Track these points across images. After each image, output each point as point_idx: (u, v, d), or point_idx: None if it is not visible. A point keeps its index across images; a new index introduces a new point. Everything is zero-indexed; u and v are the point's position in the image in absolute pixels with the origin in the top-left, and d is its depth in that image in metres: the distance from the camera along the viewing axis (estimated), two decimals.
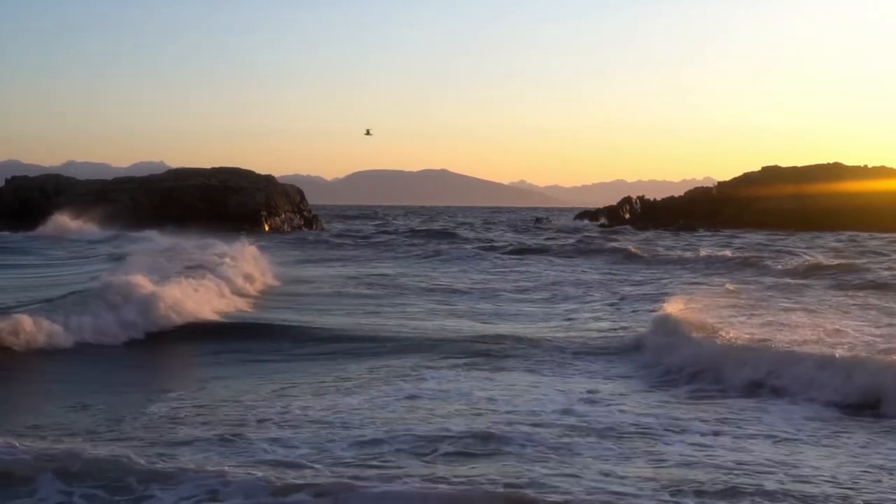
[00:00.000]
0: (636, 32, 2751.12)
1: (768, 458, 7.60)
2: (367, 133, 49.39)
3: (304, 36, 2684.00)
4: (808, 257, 28.41)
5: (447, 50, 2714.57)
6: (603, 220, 76.12)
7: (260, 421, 8.99)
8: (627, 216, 75.33)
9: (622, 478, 7.08)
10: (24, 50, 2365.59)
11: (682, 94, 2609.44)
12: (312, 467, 7.28)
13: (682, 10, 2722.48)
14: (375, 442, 8.19)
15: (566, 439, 8.28)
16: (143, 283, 15.60)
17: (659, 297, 18.53)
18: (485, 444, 8.08)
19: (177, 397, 10.13)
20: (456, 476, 7.12)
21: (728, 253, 32.18)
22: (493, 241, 47.66)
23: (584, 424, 8.84)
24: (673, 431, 8.59)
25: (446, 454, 7.81)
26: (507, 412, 9.42)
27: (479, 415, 9.29)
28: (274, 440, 8.20)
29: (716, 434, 8.49)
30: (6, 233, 50.14)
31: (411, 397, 10.20)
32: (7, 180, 65.81)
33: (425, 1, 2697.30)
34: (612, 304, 18.97)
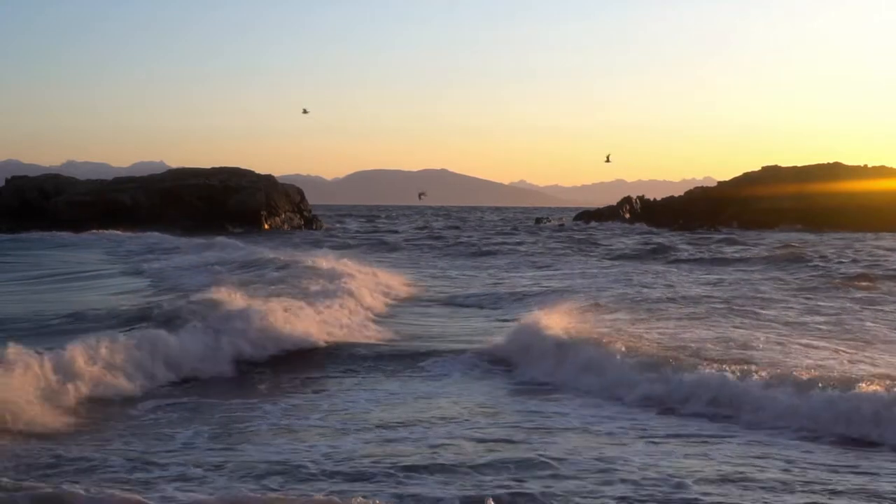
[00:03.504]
0: (637, 33, 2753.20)
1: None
2: (304, 112, 51.40)
3: (304, 36, 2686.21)
4: None
5: (447, 50, 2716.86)
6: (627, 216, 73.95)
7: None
8: (627, 216, 75.29)
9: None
10: (24, 50, 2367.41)
11: (682, 93, 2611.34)
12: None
13: (683, 10, 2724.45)
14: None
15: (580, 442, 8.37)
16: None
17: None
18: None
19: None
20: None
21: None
22: (526, 241, 46.81)
23: (603, 430, 8.90)
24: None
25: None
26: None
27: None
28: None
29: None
30: (37, 233, 49.61)
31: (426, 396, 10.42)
32: (7, 180, 65.80)
33: (426, 1, 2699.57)
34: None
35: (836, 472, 7.46)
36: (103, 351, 10.62)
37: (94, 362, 10.32)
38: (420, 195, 64.20)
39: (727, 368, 10.23)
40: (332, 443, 8.22)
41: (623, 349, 11.48)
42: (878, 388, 8.99)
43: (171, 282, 22.70)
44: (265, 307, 13.80)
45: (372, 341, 13.96)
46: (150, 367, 11.03)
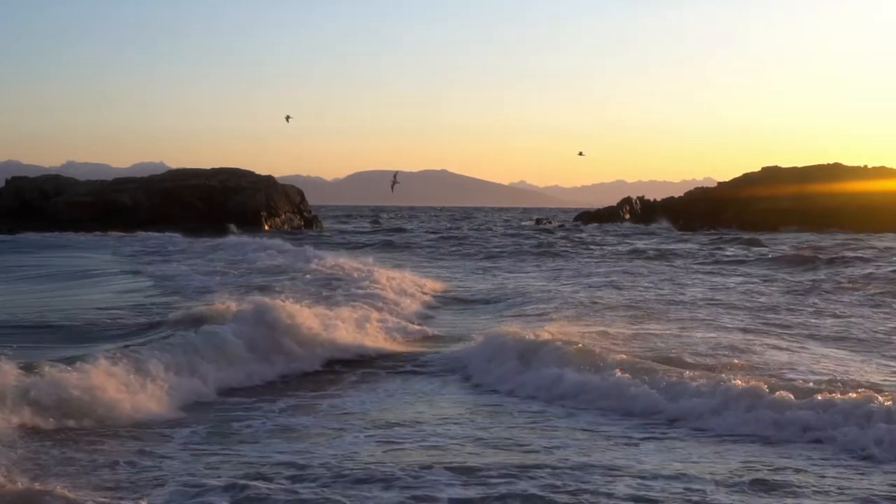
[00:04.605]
0: (637, 33, 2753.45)
1: None
2: (287, 119, 53.42)
3: (304, 36, 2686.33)
4: None
5: (447, 51, 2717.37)
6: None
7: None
8: (627, 217, 75.26)
9: None
10: (24, 50, 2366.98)
11: (682, 94, 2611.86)
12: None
13: (683, 11, 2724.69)
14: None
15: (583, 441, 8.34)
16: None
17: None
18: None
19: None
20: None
21: None
22: (527, 242, 45.61)
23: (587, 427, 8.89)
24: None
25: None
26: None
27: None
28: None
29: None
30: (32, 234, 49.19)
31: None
32: (7, 181, 65.62)
33: (425, 2, 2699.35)
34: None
35: (857, 473, 7.35)
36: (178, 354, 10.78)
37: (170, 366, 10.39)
38: (393, 181, 63.21)
39: (731, 374, 10.06)
40: (333, 442, 8.15)
41: (619, 354, 11.26)
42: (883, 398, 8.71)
43: (181, 284, 22.48)
44: (325, 316, 13.63)
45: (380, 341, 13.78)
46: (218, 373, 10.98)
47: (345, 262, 25.55)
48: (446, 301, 20.16)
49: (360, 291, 18.87)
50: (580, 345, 11.79)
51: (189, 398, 9.91)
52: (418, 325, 15.87)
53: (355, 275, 22.37)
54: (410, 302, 18.84)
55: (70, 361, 9.80)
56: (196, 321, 13.18)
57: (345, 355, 12.54)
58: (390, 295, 18.84)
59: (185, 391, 10.05)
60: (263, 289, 19.18)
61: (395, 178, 62.10)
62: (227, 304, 14.26)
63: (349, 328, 13.72)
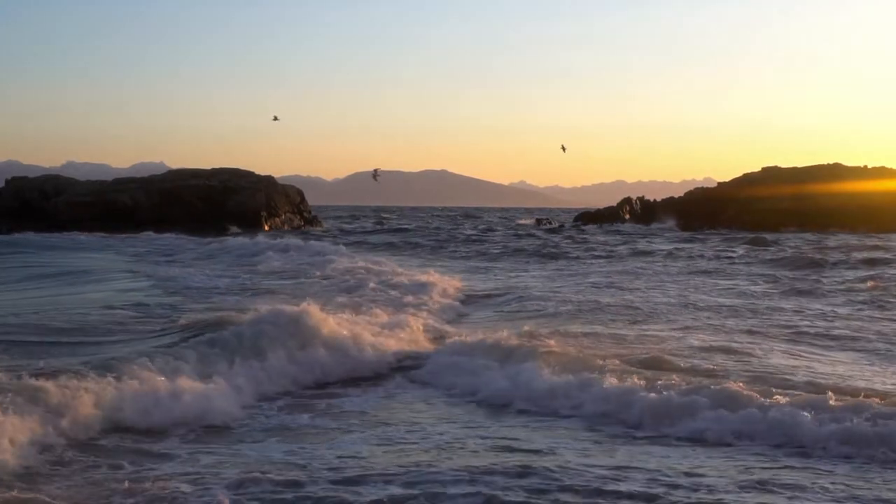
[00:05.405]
0: (636, 35, 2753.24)
1: None
2: (275, 119, 54.33)
3: (304, 37, 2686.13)
4: None
5: (447, 51, 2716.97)
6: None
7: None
8: (627, 217, 75.22)
9: None
10: (24, 50, 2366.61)
11: (682, 94, 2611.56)
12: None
13: (683, 11, 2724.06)
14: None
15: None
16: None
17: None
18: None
19: None
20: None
21: None
22: (530, 243, 44.36)
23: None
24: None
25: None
26: None
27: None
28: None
29: None
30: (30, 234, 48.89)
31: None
32: (7, 181, 65.60)
33: (424, 3, 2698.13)
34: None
35: (865, 474, 7.31)
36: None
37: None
38: (375, 175, 64.29)
39: (734, 376, 9.99)
40: (333, 441, 8.12)
41: (613, 359, 11.08)
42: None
43: (194, 285, 22.09)
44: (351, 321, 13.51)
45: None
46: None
47: (363, 263, 25.44)
48: (463, 300, 20.05)
49: (387, 293, 18.82)
50: (568, 347, 11.72)
51: (244, 401, 9.71)
52: (450, 325, 15.78)
53: (375, 278, 22.23)
54: (442, 302, 18.75)
55: (109, 364, 9.65)
56: (221, 324, 12.87)
57: (389, 360, 12.19)
58: (420, 296, 18.79)
59: (249, 393, 9.95)
60: (290, 292, 19.04)
61: (375, 172, 63.83)
62: (250, 307, 13.97)
63: (390, 332, 13.52)
